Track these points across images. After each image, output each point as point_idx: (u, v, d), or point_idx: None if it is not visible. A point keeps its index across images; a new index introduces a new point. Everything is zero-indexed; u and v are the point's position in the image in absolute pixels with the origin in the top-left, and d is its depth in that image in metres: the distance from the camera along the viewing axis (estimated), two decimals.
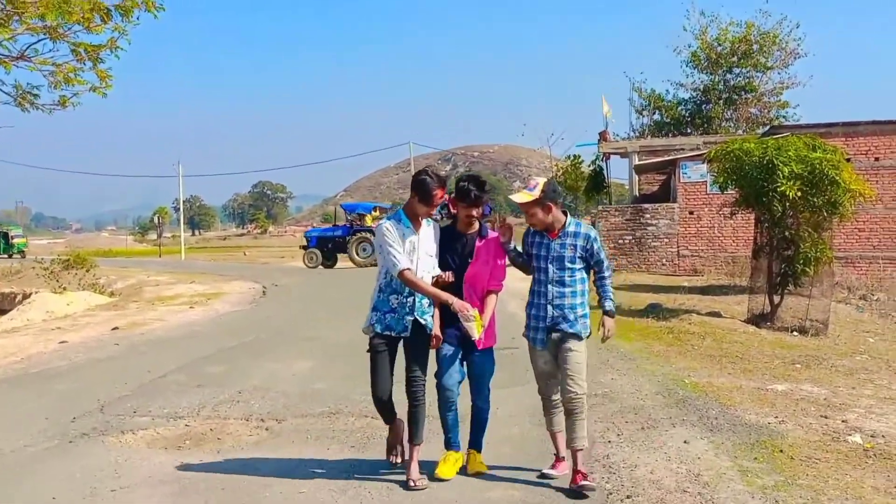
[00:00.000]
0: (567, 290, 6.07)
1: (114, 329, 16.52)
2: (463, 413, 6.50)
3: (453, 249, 6.35)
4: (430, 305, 6.27)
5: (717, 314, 16.23)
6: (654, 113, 42.43)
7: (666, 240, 28.50)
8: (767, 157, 15.00)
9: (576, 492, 5.76)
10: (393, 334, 6.22)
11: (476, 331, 6.03)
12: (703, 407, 8.28)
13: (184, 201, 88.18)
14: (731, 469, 6.28)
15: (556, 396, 6.17)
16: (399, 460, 6.47)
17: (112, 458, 6.93)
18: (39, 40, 12.82)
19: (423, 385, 6.24)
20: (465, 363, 6.36)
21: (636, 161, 32.77)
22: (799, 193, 14.62)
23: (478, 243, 6.32)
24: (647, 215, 28.77)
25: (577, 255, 6.08)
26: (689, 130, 39.59)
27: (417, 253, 6.21)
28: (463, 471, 6.32)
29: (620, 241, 28.83)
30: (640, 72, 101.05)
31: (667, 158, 30.50)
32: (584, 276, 6.18)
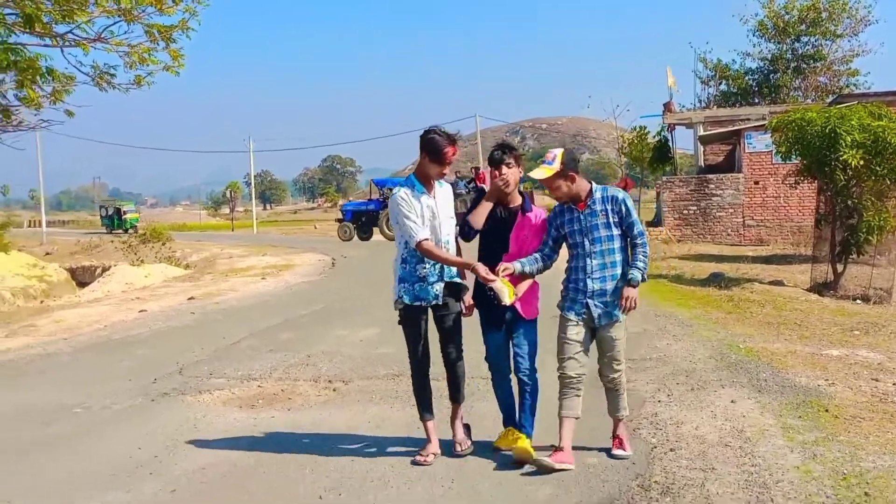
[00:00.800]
0: (608, 260, 5.71)
1: (190, 299, 17.14)
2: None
3: (493, 218, 5.97)
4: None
5: (779, 283, 16.18)
6: (721, 83, 41.92)
7: (731, 210, 28.33)
8: (830, 126, 14.88)
9: (613, 457, 5.79)
10: (423, 304, 5.93)
11: (508, 295, 5.57)
12: (754, 370, 8.42)
13: (255, 176, 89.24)
14: (775, 426, 6.46)
15: (576, 374, 5.69)
16: (425, 459, 5.91)
17: (190, 415, 7.41)
18: (115, 22, 13.15)
19: (460, 351, 6.09)
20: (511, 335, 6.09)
21: (701, 132, 32.48)
22: (862, 162, 14.50)
23: (519, 217, 6.01)
24: (712, 185, 28.64)
25: (612, 220, 5.70)
26: (756, 100, 39.07)
27: (438, 218, 5.92)
28: (508, 458, 5.90)
29: (685, 212, 28.78)
30: (705, 41, 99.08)
31: (731, 129, 30.20)
32: (624, 243, 5.79)
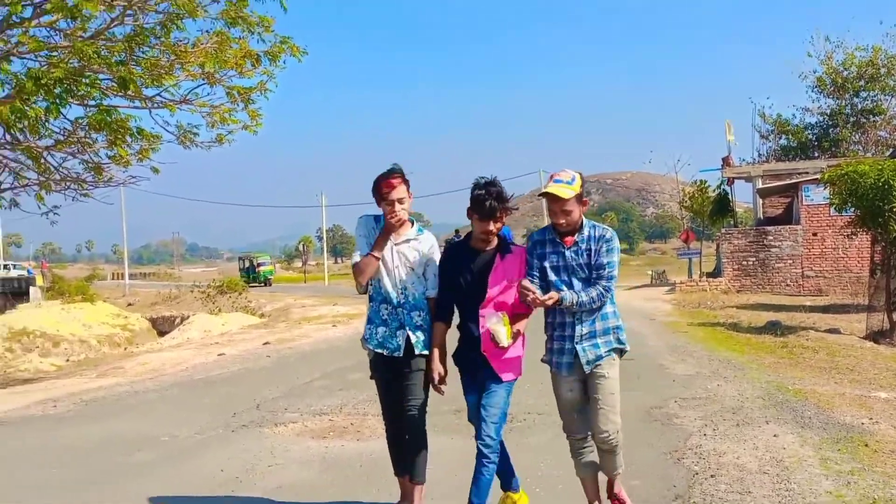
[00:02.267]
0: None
1: (265, 344, 17.72)
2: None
3: (466, 269, 5.12)
4: (421, 318, 5.32)
5: (835, 331, 16.18)
6: (780, 137, 41.78)
7: (790, 261, 28.28)
8: (883, 179, 15.11)
9: None
10: (385, 353, 5.28)
11: (506, 335, 4.88)
12: (799, 409, 8.58)
13: (327, 230, 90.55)
14: (813, 457, 6.64)
15: (583, 435, 5.10)
16: None
17: (268, 444, 7.85)
18: (199, 85, 13.75)
19: (422, 415, 5.33)
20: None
21: (760, 185, 32.46)
22: None
23: (497, 262, 5.08)
24: (771, 237, 28.66)
25: (592, 260, 4.97)
26: (815, 154, 38.84)
27: (394, 261, 5.29)
28: None
29: (744, 263, 28.78)
30: (766, 97, 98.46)
31: (789, 182, 30.20)
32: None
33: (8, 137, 13.91)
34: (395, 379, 5.35)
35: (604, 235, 4.94)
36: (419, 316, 5.29)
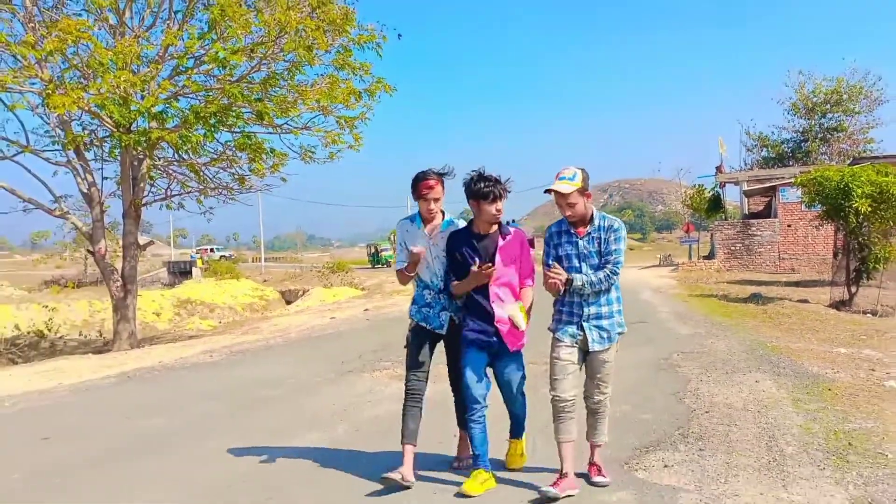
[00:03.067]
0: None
1: (365, 310, 17.88)
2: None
3: (473, 250, 4.52)
4: (453, 302, 4.74)
5: (805, 301, 15.79)
6: (762, 150, 40.69)
7: (769, 246, 27.64)
8: (844, 182, 14.83)
9: (593, 483, 4.47)
10: (429, 328, 4.72)
11: (523, 319, 4.51)
12: (776, 361, 8.38)
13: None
14: (786, 399, 6.51)
15: (571, 397, 4.34)
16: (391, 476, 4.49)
17: (367, 385, 7.93)
18: (315, 116, 14.02)
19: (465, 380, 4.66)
20: (492, 370, 4.64)
21: (745, 188, 31.74)
22: (870, 209, 14.45)
23: (500, 242, 4.52)
24: (754, 228, 28.09)
25: (603, 248, 4.43)
26: (790, 163, 37.69)
27: (432, 253, 4.71)
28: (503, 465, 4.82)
29: (733, 248, 28.24)
30: (749, 118, 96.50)
31: (769, 185, 29.49)
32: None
33: (176, 157, 14.27)
34: (434, 346, 4.77)
35: (612, 226, 4.40)
36: (448, 298, 4.72)
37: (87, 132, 13.56)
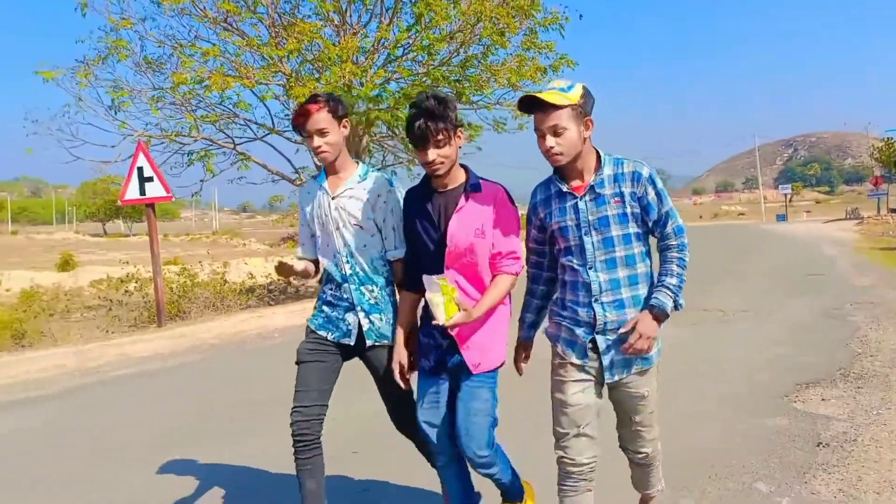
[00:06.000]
0: (625, 273, 2.49)
1: None
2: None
3: (424, 215, 2.71)
4: (376, 295, 2.91)
5: None
6: None
7: None
8: None
9: None
10: (330, 337, 2.93)
11: (444, 312, 2.49)
12: None
13: None
14: None
15: (587, 460, 2.49)
16: None
17: None
18: (506, 92, 14.54)
19: (409, 419, 2.90)
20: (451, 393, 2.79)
21: None
22: None
23: (462, 202, 2.65)
24: None
25: (629, 209, 2.47)
26: None
27: (332, 221, 2.92)
28: None
29: None
30: None
31: None
32: (646, 245, 2.56)
33: (390, 132, 15.49)
34: (338, 364, 2.98)
35: (638, 171, 2.47)
36: (372, 292, 2.91)
37: None
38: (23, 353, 8.22)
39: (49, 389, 6.63)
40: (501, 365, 2.71)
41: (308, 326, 3.00)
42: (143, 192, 9.51)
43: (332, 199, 2.90)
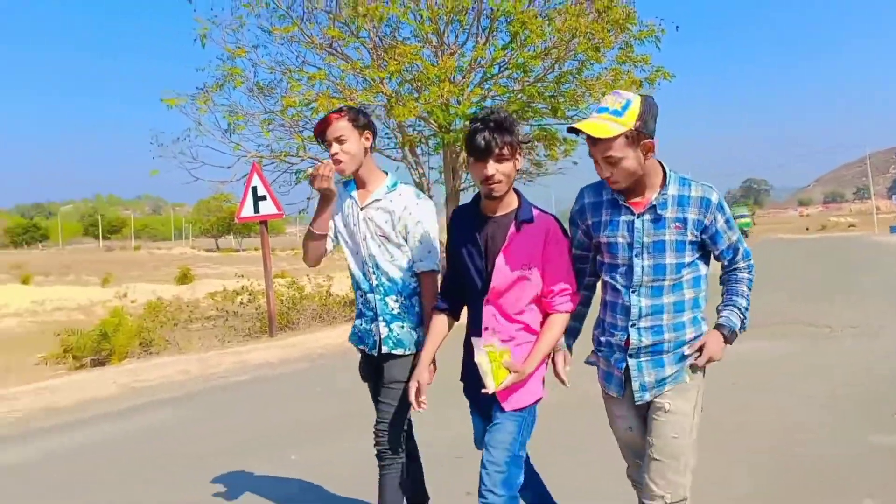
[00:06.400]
0: (669, 300, 2.31)
1: None
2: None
3: (470, 241, 2.51)
4: (400, 305, 2.83)
5: None
6: None
7: None
8: None
9: None
10: (366, 350, 2.94)
11: (493, 379, 2.37)
12: None
13: None
14: None
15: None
16: None
17: None
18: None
19: (397, 439, 2.81)
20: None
21: None
22: None
23: (512, 234, 2.43)
24: None
25: (690, 237, 2.27)
26: None
27: (360, 231, 2.86)
28: None
29: None
30: None
31: None
32: (700, 273, 2.35)
33: None
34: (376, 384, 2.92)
35: (707, 198, 2.26)
36: (396, 301, 2.84)
37: (416, 133, 15.45)
38: (150, 359, 8.88)
39: (177, 392, 7.15)
40: (537, 401, 2.50)
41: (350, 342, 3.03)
42: (256, 209, 10.08)
43: (361, 209, 2.86)
